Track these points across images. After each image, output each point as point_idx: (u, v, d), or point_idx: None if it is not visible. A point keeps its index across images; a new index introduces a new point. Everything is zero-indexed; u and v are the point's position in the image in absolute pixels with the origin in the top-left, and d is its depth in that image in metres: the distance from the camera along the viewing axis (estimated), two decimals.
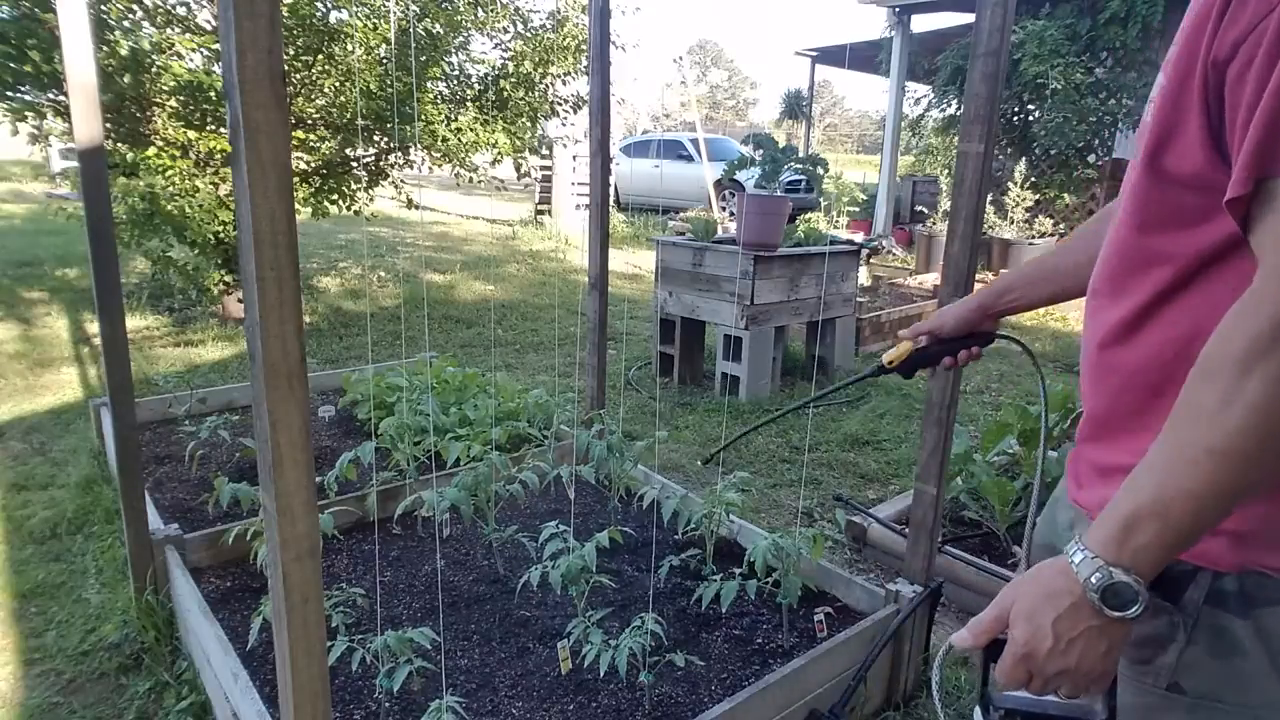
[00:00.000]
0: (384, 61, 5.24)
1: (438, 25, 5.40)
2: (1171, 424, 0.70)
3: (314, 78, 5.23)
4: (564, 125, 6.66)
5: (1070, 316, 6.81)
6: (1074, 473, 0.97)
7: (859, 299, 5.51)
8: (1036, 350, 5.98)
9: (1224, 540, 0.77)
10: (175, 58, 4.69)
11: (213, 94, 4.63)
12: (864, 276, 7.49)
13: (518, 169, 6.54)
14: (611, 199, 8.78)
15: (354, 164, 5.88)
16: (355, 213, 5.98)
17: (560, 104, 6.33)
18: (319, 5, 5.02)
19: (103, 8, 4.39)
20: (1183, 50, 0.72)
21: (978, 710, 0.85)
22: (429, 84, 5.66)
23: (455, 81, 5.94)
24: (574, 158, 10.87)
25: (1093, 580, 0.71)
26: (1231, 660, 0.79)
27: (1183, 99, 0.73)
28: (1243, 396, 0.65)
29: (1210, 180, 0.72)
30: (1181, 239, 0.77)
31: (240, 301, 5.16)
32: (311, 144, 5.47)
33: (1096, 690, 0.77)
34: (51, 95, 4.66)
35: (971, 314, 1.17)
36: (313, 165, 5.57)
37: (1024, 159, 9.14)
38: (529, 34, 6.00)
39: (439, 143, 5.62)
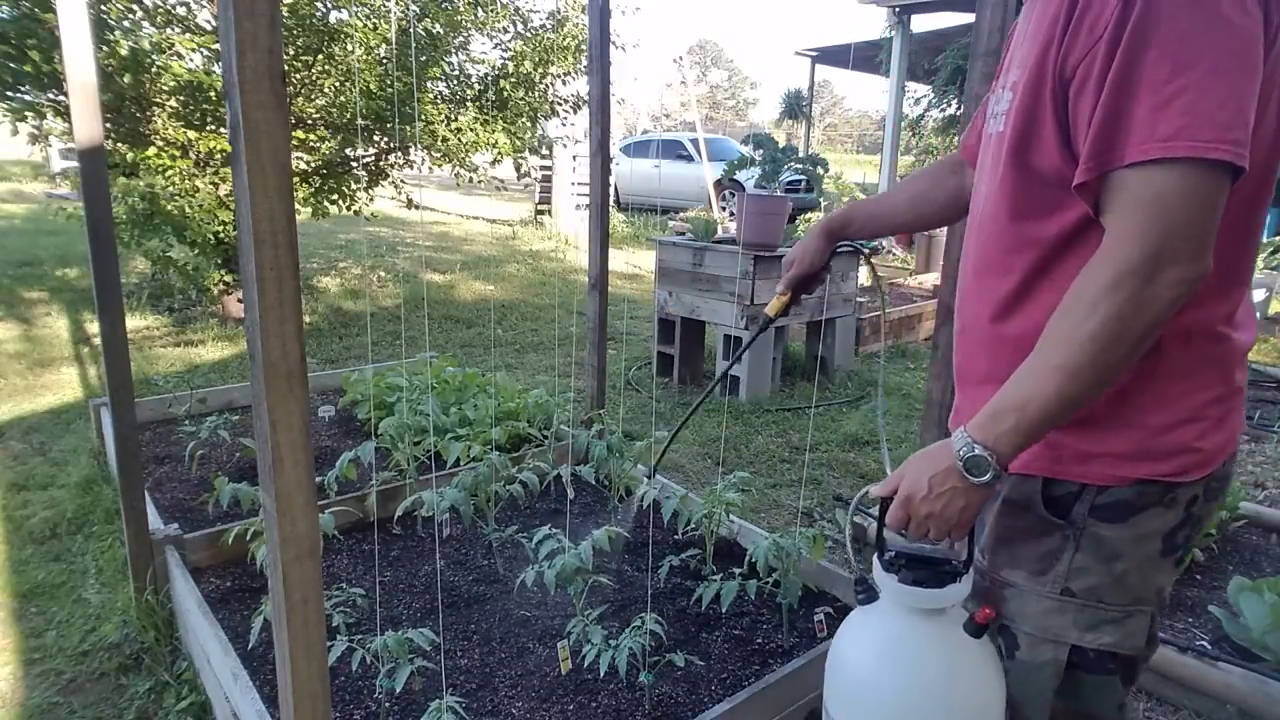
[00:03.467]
0: (384, 61, 5.24)
1: (438, 25, 5.40)
2: (1036, 348, 0.91)
3: (314, 78, 5.23)
4: (564, 125, 6.66)
5: None
6: (960, 424, 1.13)
7: (859, 299, 5.51)
8: None
9: (1107, 460, 0.98)
10: (175, 58, 4.69)
11: (213, 94, 4.63)
12: (864, 276, 7.48)
13: (518, 169, 6.54)
14: (611, 199, 8.78)
15: (354, 164, 5.88)
16: (355, 213, 5.98)
17: (560, 104, 6.32)
18: (319, 5, 5.02)
19: (103, 8, 4.39)
20: (1032, 72, 0.92)
21: (875, 557, 1.08)
22: (429, 84, 5.66)
23: (455, 81, 5.94)
24: (574, 158, 10.86)
25: (960, 451, 0.92)
26: (1111, 564, 0.99)
27: (1037, 111, 0.92)
28: (1086, 329, 0.86)
29: (1064, 174, 0.91)
30: (1045, 224, 0.96)
31: (240, 301, 5.17)
32: (311, 144, 5.46)
33: (957, 536, 0.98)
34: (51, 95, 4.66)
35: (826, 247, 1.45)
36: (313, 165, 5.57)
37: None
38: (529, 34, 5.99)
39: (439, 143, 5.62)
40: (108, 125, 4.62)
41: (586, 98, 3.82)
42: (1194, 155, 0.80)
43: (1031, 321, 0.97)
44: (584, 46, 5.93)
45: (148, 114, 4.83)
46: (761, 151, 4.39)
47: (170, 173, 4.75)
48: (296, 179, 5.27)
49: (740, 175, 5.21)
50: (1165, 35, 0.80)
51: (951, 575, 1.02)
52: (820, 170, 4.52)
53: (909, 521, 0.98)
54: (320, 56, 5.12)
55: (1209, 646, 2.15)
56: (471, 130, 5.69)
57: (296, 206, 1.42)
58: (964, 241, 1.14)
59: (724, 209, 12.94)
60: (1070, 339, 0.87)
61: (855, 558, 1.07)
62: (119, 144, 4.75)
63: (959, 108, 9.58)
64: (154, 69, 4.52)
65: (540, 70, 5.94)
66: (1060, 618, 1.01)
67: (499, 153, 5.89)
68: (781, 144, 4.47)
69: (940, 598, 1.01)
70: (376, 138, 5.80)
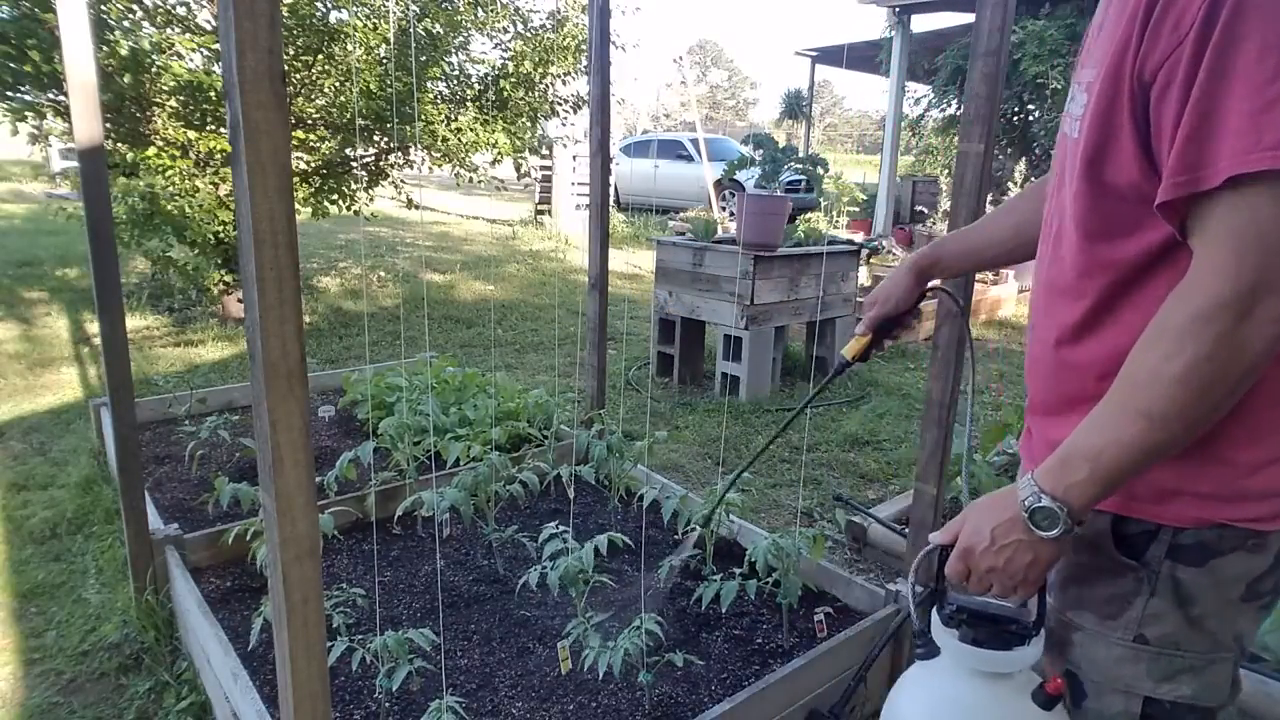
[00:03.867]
0: (384, 61, 5.25)
1: (438, 25, 5.40)
2: (1114, 386, 0.81)
3: (314, 78, 5.23)
4: (564, 125, 6.66)
5: None
6: (1030, 454, 1.07)
7: (859, 299, 5.51)
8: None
9: (1187, 500, 0.87)
10: (175, 58, 4.70)
11: (213, 94, 4.64)
12: (864, 276, 7.49)
13: (518, 169, 6.54)
14: (611, 199, 8.79)
15: (354, 164, 5.89)
16: (355, 213, 5.99)
17: (560, 104, 6.33)
18: (319, 5, 5.02)
19: (103, 8, 4.39)
20: (1107, 73, 0.81)
21: (934, 610, 0.97)
22: (429, 84, 5.66)
23: (455, 81, 5.94)
24: (574, 158, 10.87)
25: (1026, 501, 0.84)
26: (1188, 609, 0.89)
27: (1113, 118, 0.81)
28: (1172, 370, 0.75)
29: (1144, 190, 0.80)
30: (1121, 245, 0.86)
31: (240, 301, 5.17)
32: (311, 144, 5.47)
33: (1023, 594, 0.89)
34: (51, 95, 4.66)
35: (915, 286, 1.33)
36: (313, 165, 5.57)
37: (1024, 159, 9.15)
38: (529, 34, 6.00)
39: (439, 143, 5.63)
40: (108, 125, 4.62)
41: (586, 98, 3.82)
42: None
43: (1107, 347, 0.89)
44: (584, 46, 5.93)
45: (148, 114, 4.83)
46: (761, 151, 4.39)
47: (170, 173, 4.75)
48: (296, 179, 5.27)
49: (740, 175, 5.22)
50: (1266, 28, 0.69)
51: (1019, 637, 0.91)
52: (820, 170, 4.52)
53: (969, 575, 0.89)
54: (320, 56, 5.12)
55: None
56: (471, 130, 5.69)
57: (296, 206, 1.42)
58: (1037, 255, 1.04)
59: (724, 209, 12.94)
60: (1154, 380, 0.76)
61: (916, 612, 1.03)
62: (119, 144, 4.75)
63: (959, 108, 9.59)
64: (154, 69, 4.52)
65: (540, 70, 5.94)
66: (1133, 666, 0.91)
67: (499, 153, 5.89)
68: (781, 144, 4.48)
69: (1004, 661, 0.91)
70: (376, 138, 5.80)
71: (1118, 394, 0.80)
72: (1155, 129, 0.77)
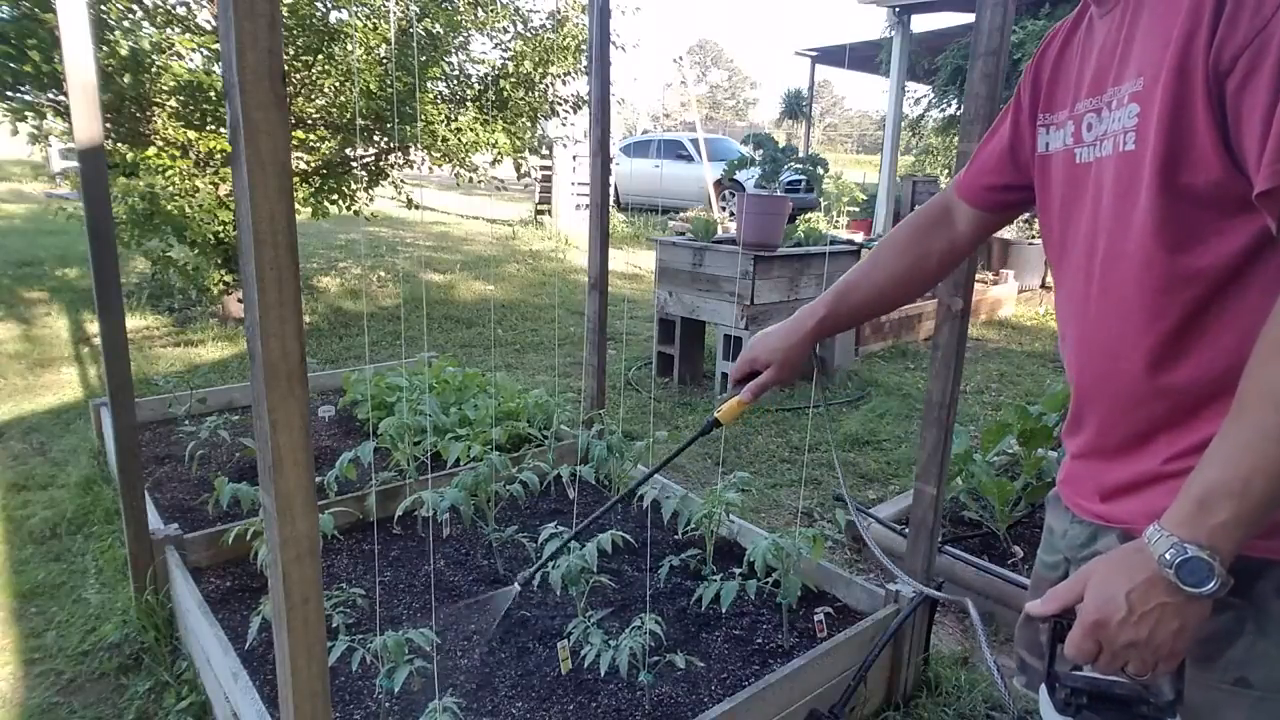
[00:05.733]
0: (384, 61, 5.25)
1: (438, 25, 5.41)
2: (1242, 404, 0.72)
3: (314, 78, 5.23)
4: (564, 125, 6.67)
5: None
6: (1089, 489, 0.98)
7: None
8: (1037, 349, 5.97)
9: None
10: (175, 58, 4.70)
11: (213, 94, 4.64)
12: None
13: (518, 169, 6.54)
14: (611, 199, 8.79)
15: (354, 164, 5.89)
16: (355, 213, 5.99)
17: (560, 104, 6.33)
18: (319, 5, 5.03)
19: (103, 8, 4.39)
20: (1171, 70, 0.77)
21: (1043, 689, 0.84)
22: (429, 84, 5.66)
23: (455, 81, 5.95)
24: (574, 158, 10.88)
25: (1167, 556, 0.72)
26: None
27: (1185, 115, 0.77)
28: None
29: (1227, 187, 0.76)
30: (1206, 253, 0.80)
31: (240, 301, 5.17)
32: (311, 144, 5.47)
33: (1164, 669, 0.77)
34: (51, 95, 4.66)
35: (805, 350, 1.29)
36: (313, 165, 5.57)
37: None
38: (529, 34, 6.00)
39: (439, 143, 5.63)
40: (108, 125, 4.62)
41: (586, 98, 3.82)
42: None
43: (1197, 369, 0.83)
44: (584, 46, 5.93)
45: (148, 114, 4.83)
46: (761, 151, 4.39)
47: (170, 173, 4.75)
48: (296, 179, 5.27)
49: (740, 175, 5.22)
50: None
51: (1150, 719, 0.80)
52: (820, 170, 4.52)
53: (1099, 652, 0.77)
54: (320, 56, 5.12)
55: None
56: (471, 130, 5.70)
57: (296, 206, 1.42)
58: (1067, 283, 0.96)
59: (724, 209, 12.95)
60: None
61: (1020, 682, 0.93)
62: (119, 144, 4.76)
63: (959, 108, 9.59)
64: (154, 69, 4.52)
65: (540, 70, 5.94)
66: (1233, 713, 0.84)
67: (499, 153, 5.90)
68: (781, 144, 4.48)
69: None
70: (376, 138, 5.81)
71: (1250, 415, 0.71)
72: (1235, 118, 0.73)
